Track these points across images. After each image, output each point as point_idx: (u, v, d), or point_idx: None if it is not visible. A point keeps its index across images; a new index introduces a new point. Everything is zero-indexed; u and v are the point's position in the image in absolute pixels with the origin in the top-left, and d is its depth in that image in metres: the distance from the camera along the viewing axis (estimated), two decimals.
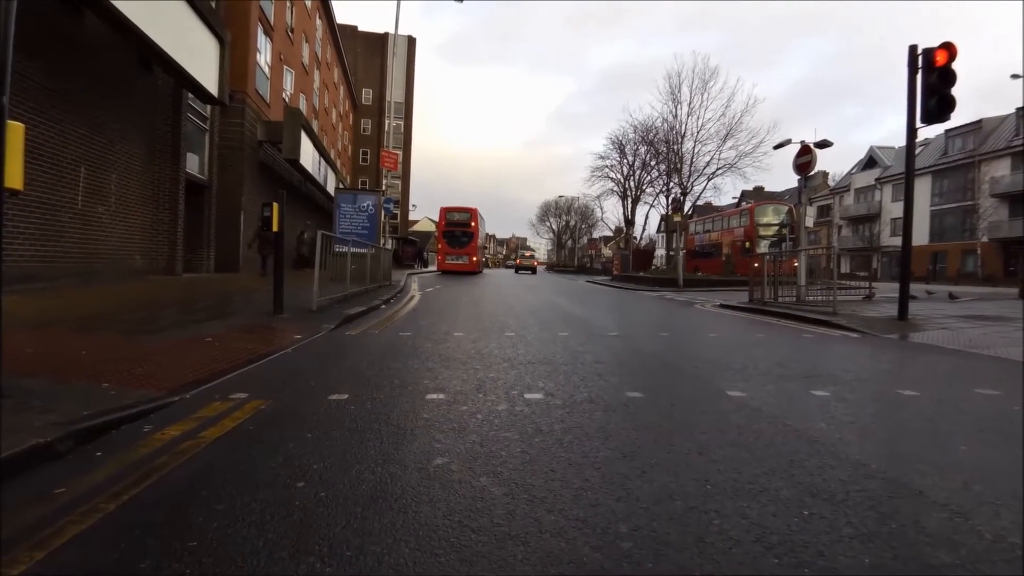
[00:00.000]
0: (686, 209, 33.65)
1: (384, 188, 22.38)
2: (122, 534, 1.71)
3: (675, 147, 33.81)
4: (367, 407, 3.24)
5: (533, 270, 44.27)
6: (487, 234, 49.50)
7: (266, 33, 19.04)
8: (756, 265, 13.25)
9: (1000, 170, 34.22)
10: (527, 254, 58.12)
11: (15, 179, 2.84)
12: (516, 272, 43.54)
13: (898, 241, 15.02)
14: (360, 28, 54.04)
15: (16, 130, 2.84)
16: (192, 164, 14.58)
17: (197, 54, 11.44)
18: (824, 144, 13.45)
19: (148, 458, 2.36)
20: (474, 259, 30.50)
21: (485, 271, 39.11)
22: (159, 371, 3.77)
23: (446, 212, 31.18)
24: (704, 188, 34.54)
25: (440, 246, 31.28)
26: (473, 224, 30.60)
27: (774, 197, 45.67)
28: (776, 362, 5.18)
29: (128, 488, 2.05)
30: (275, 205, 7.10)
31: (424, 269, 36.68)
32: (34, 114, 8.24)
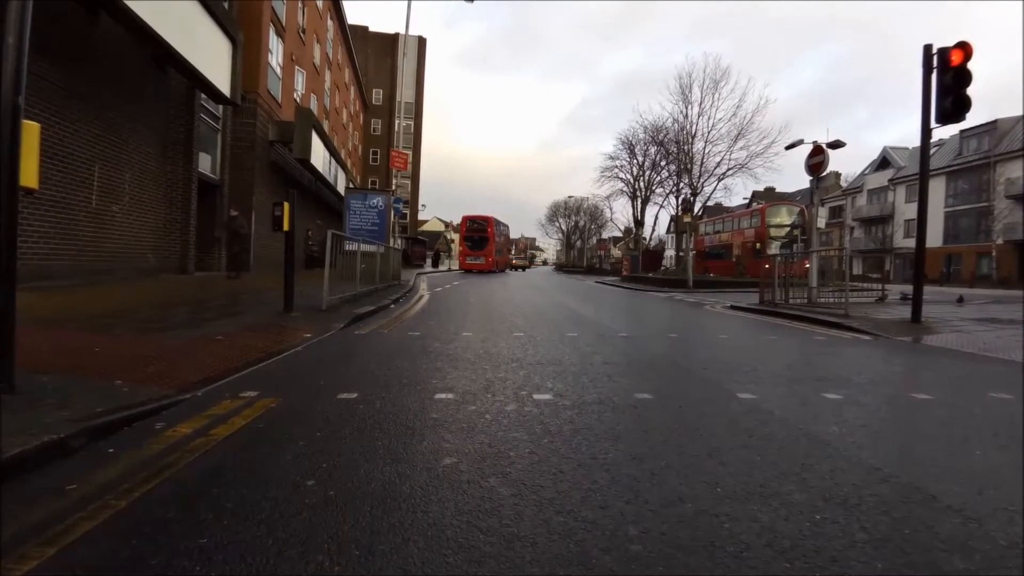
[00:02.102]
0: (696, 210, 33.50)
1: (394, 188, 22.44)
2: (133, 531, 1.73)
3: (685, 147, 33.66)
4: (376, 406, 3.25)
5: (524, 267, 64.69)
6: (509, 237, 53.53)
7: (278, 34, 19.17)
8: (767, 266, 13.14)
9: (1016, 171, 33.72)
10: (522, 256, 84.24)
11: (30, 178, 2.87)
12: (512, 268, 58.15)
13: (911, 243, 14.87)
14: (371, 29, 54.33)
15: (31, 129, 2.87)
16: (204, 163, 14.71)
17: (210, 55, 11.54)
18: (837, 144, 13.27)
19: (160, 455, 2.38)
20: (489, 259, 36.28)
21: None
22: (171, 369, 3.80)
23: (467, 220, 37.80)
24: (714, 189, 34.38)
25: (461, 248, 38.46)
26: (489, 230, 36.62)
27: (785, 198, 45.22)
28: (787, 364, 5.13)
29: (139, 485, 2.06)
30: (286, 204, 7.15)
31: (434, 269, 36.84)
32: (50, 114, 8.36)
